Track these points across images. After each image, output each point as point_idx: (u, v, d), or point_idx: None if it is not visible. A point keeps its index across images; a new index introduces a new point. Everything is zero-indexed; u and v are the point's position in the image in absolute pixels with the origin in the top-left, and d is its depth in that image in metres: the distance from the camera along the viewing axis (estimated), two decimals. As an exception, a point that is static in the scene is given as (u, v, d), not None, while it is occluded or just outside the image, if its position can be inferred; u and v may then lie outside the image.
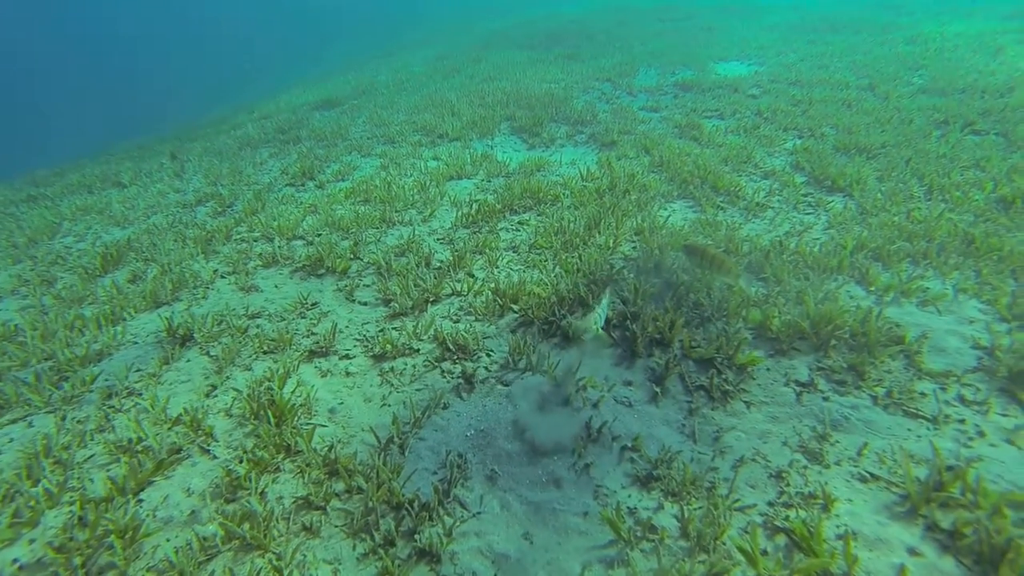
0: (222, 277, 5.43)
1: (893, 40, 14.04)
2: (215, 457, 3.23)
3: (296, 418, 3.51)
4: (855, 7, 20.16)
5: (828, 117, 8.65)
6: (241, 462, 3.14)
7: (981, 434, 3.05)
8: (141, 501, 2.98)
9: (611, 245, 5.08)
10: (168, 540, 2.75)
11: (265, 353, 4.23)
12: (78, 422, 3.59)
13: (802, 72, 11.69)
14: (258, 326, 4.56)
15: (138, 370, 4.03)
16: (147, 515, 2.89)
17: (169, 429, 3.40)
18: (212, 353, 4.21)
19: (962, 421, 3.15)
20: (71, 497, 3.02)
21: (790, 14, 19.77)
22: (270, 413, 3.44)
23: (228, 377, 3.95)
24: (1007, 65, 10.24)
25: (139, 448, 3.25)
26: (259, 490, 2.99)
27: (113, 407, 3.67)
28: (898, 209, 5.54)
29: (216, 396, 3.76)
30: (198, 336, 4.35)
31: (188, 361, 4.14)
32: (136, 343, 4.39)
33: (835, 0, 23.10)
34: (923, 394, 3.38)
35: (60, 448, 3.36)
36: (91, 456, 3.30)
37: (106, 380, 3.94)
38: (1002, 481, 2.73)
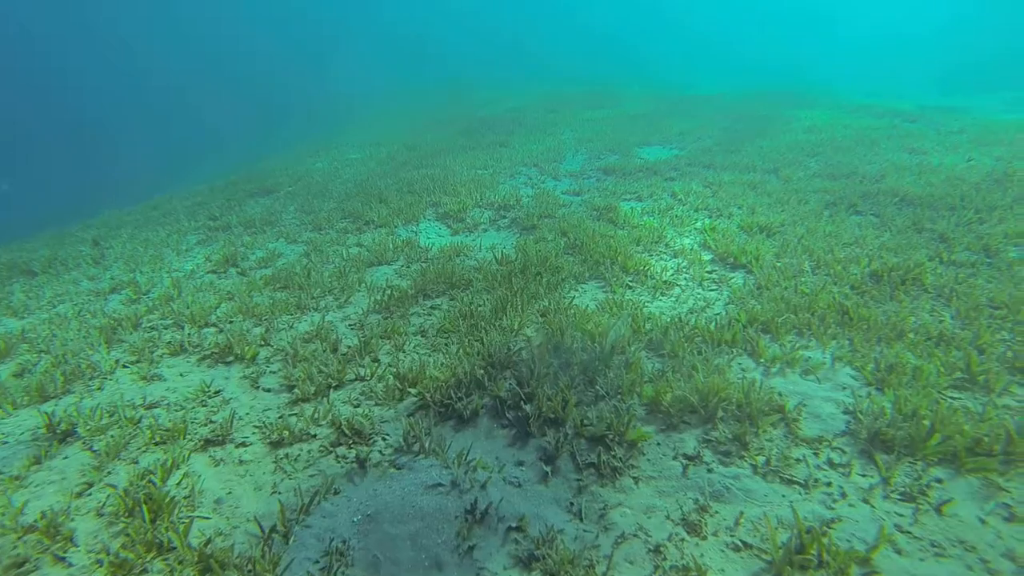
0: (124, 367, 5.24)
1: (794, 129, 15.54)
2: (71, 565, 3.01)
3: (175, 512, 3.34)
4: (765, 99, 22.32)
5: (735, 198, 9.36)
6: (100, 565, 2.94)
7: (843, 495, 3.22)
8: (-22, 619, 2.73)
9: (515, 328, 5.23)
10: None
11: (156, 444, 4.05)
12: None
13: (715, 156, 12.70)
14: (153, 416, 4.39)
15: None
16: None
17: (19, 539, 3.16)
18: (95, 448, 4.00)
19: (828, 484, 3.32)
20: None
21: (709, 104, 21.69)
22: (145, 508, 3.27)
23: (109, 473, 3.75)
24: (880, 156, 11.50)
25: (-25, 563, 3.00)
26: (117, 597, 2.80)
27: (-43, 517, 3.40)
28: (788, 283, 5.96)
29: (90, 494, 3.55)
30: (82, 430, 4.14)
31: (66, 458, 3.91)
32: (6, 443, 4.11)
33: (749, 91, 25.61)
34: (798, 460, 3.55)
35: None
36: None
37: (-47, 488, 3.66)
38: (854, 539, 2.87)
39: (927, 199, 8.48)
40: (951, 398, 3.98)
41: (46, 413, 4.24)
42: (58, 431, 4.14)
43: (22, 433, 4.22)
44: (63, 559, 3.03)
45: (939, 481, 3.26)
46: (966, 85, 26.40)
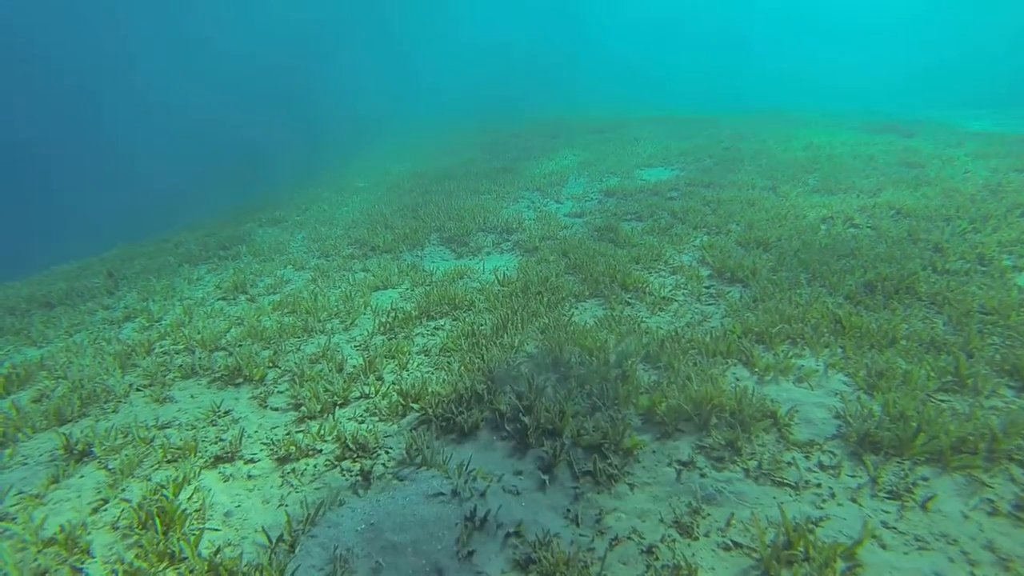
0: (137, 390, 5.42)
1: (793, 147, 15.74)
2: (87, 575, 3.14)
3: (186, 524, 3.48)
4: (764, 118, 22.61)
5: (734, 215, 9.50)
6: (115, 574, 3.07)
7: (832, 495, 3.30)
8: (-1, 628, 2.85)
9: (515, 345, 5.37)
10: (22, 666, 2.63)
11: (168, 462, 4.20)
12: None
13: (715, 175, 12.86)
14: (165, 436, 4.54)
15: (19, 493, 3.91)
16: (3, 641, 2.77)
17: (39, 552, 3.30)
18: (110, 466, 4.16)
19: (818, 485, 3.41)
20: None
21: (710, 125, 21.96)
22: (158, 521, 3.41)
23: (123, 490, 3.90)
24: (878, 171, 11.64)
25: (-3, 576, 3.14)
26: (131, 604, 2.92)
27: (-24, 536, 3.54)
28: (783, 295, 6.08)
29: (106, 510, 3.69)
30: (97, 450, 4.30)
31: (82, 477, 4.07)
32: (26, 464, 4.28)
33: (750, 111, 25.97)
34: (789, 463, 3.64)
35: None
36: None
37: (-26, 509, 3.81)
38: (841, 535, 2.96)
39: (923, 211, 8.60)
40: (939, 400, 4.07)
41: (64, 435, 4.42)
42: (75, 451, 4.31)
43: (41, 454, 4.40)
44: (80, 570, 3.17)
45: (925, 479, 3.34)
46: (968, 101, 26.66)
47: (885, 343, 4.86)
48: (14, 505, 3.79)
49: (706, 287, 6.72)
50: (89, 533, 3.46)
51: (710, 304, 6.30)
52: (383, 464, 3.96)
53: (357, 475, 3.87)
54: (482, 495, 3.55)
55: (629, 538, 3.17)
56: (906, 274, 6.12)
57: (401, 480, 3.79)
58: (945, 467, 3.41)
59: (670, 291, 6.65)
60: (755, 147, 16.08)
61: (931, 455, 3.49)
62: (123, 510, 3.63)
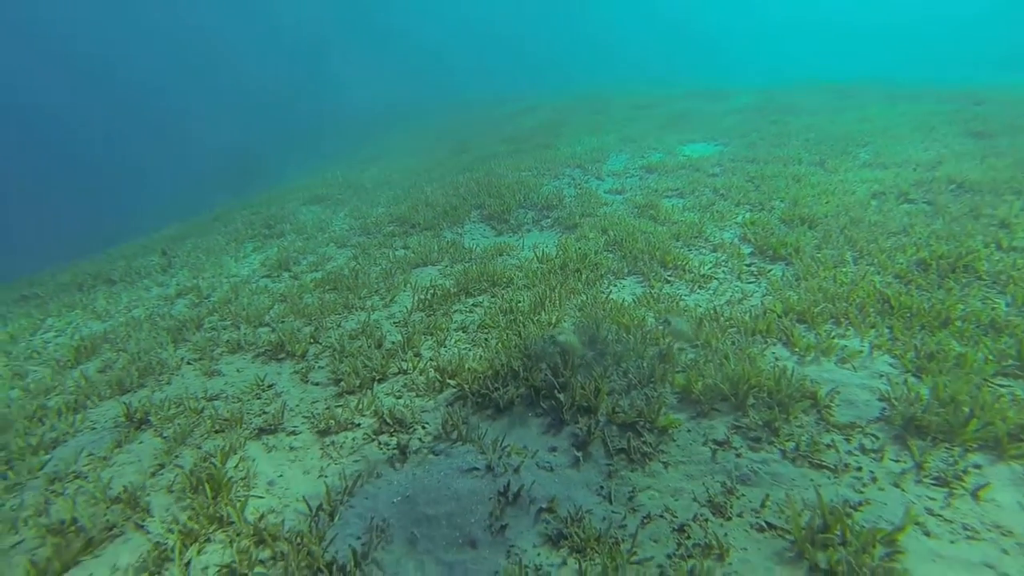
0: (188, 364, 5.70)
1: (845, 120, 15.00)
2: (148, 532, 3.37)
3: (233, 491, 3.67)
4: (814, 91, 21.56)
5: (778, 191, 9.17)
6: (171, 533, 3.28)
7: (874, 479, 3.21)
8: (65, 581, 3.10)
9: (552, 322, 5.37)
10: (89, 615, 2.85)
11: (216, 432, 4.42)
12: (13, 509, 3.75)
13: (760, 150, 12.41)
14: (213, 407, 4.77)
15: (90, 454, 4.22)
16: (71, 592, 3.00)
17: (107, 508, 3.56)
18: (165, 434, 4.41)
19: (859, 469, 3.31)
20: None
21: (756, 98, 21.11)
22: (207, 487, 3.60)
23: (177, 456, 4.13)
24: (937, 142, 10.98)
25: (71, 529, 3.39)
26: (185, 561, 3.11)
27: (55, 491, 3.84)
28: (827, 274, 5.86)
29: (162, 474, 3.93)
30: (154, 419, 4.57)
31: (141, 443, 4.33)
32: (94, 429, 4.60)
33: (794, 84, 24.76)
34: (829, 446, 3.55)
35: (-17, 539, 3.50)
36: (19, 542, 3.43)
37: (55, 466, 4.12)
38: (882, 521, 2.87)
39: (988, 184, 8.09)
40: (998, 385, 3.87)
41: (125, 404, 4.70)
42: (135, 419, 4.59)
43: (106, 421, 4.71)
44: (143, 527, 3.40)
45: (977, 467, 3.20)
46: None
47: (937, 324, 4.64)
48: (86, 465, 4.11)
49: (747, 265, 6.54)
50: (148, 495, 3.70)
51: (751, 282, 6.14)
52: (419, 439, 4.06)
53: (394, 449, 3.98)
54: (516, 470, 3.60)
55: (661, 516, 3.17)
56: (965, 252, 5.80)
57: (437, 455, 3.88)
58: (1001, 455, 3.26)
59: (710, 269, 6.51)
60: (803, 122, 15.38)
61: (985, 442, 3.33)
62: (177, 475, 3.86)
